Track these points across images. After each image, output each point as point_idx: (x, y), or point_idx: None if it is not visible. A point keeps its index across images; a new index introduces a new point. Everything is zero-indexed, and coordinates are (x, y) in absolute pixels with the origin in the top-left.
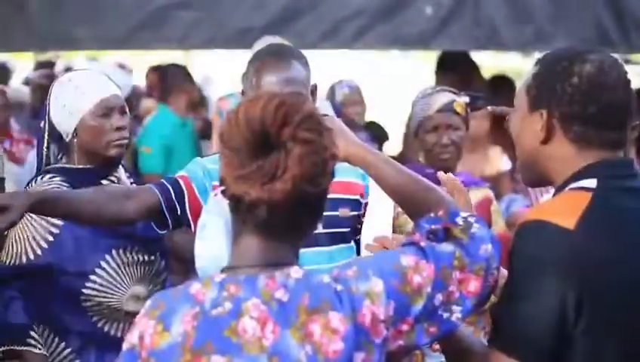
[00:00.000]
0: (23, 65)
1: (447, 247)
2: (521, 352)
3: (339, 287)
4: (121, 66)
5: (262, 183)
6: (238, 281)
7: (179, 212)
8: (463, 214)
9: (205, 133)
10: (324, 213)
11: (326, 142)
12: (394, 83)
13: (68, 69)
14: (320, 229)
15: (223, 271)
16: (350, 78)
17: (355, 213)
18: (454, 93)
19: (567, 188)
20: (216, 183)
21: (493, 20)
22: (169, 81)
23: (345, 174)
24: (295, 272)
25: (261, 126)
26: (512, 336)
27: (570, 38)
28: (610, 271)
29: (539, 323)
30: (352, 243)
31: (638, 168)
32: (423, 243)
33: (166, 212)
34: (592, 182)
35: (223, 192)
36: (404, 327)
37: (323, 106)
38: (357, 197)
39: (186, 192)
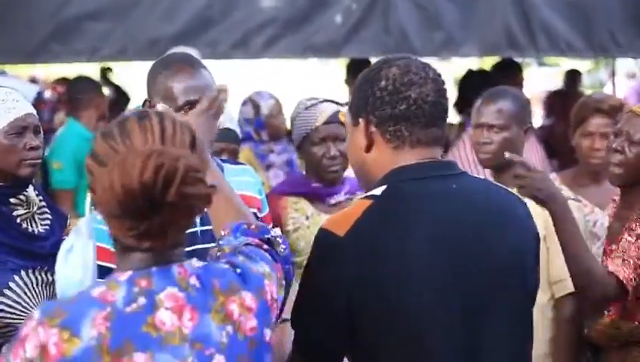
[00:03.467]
0: None
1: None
2: (301, 347)
3: (238, 270)
4: (33, 80)
5: (155, 236)
6: (149, 274)
7: None
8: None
9: None
10: None
11: (207, 180)
12: (312, 91)
13: None
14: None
15: (115, 272)
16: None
17: None
18: (338, 103)
19: (361, 196)
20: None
21: (403, 27)
22: (78, 94)
23: (242, 188)
24: (196, 262)
25: (142, 193)
26: (299, 335)
27: (479, 43)
28: (374, 280)
29: (318, 320)
30: None
31: (458, 168)
32: (264, 246)
33: None
34: (380, 190)
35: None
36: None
37: (227, 118)
38: (254, 210)
39: None
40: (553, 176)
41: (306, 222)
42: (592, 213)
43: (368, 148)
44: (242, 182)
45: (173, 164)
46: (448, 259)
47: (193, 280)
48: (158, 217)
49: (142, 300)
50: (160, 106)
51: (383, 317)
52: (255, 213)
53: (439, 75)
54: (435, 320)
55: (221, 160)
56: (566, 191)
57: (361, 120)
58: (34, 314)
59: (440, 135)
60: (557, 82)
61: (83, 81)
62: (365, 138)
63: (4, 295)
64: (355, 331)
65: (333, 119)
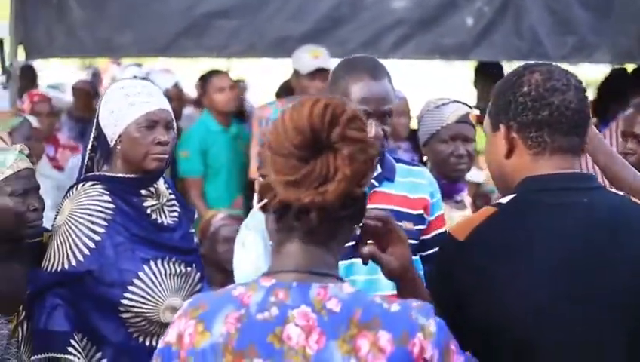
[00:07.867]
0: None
1: None
2: None
3: (393, 308)
4: (166, 71)
5: (314, 187)
6: (288, 287)
7: None
8: None
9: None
10: None
11: (371, 141)
12: (437, 92)
13: (114, 79)
14: None
15: (265, 275)
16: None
17: (419, 227)
18: (468, 105)
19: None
20: None
21: (535, 31)
22: (209, 88)
23: (412, 190)
24: (348, 287)
25: (310, 130)
26: None
27: (612, 49)
28: (489, 287)
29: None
30: (416, 257)
31: (596, 182)
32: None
33: None
34: (507, 199)
35: (264, 205)
36: None
37: None
38: (420, 211)
39: None
40: None
41: None
42: None
43: (509, 154)
44: (414, 184)
45: (340, 107)
46: (566, 272)
47: (332, 304)
48: (321, 161)
49: (274, 311)
50: None
51: (495, 323)
52: (421, 215)
53: (580, 83)
54: (550, 331)
55: (395, 159)
56: None
57: (501, 126)
58: (184, 303)
59: (579, 143)
60: None
61: (214, 75)
62: (506, 143)
63: (134, 284)
64: (463, 333)
65: (465, 119)
